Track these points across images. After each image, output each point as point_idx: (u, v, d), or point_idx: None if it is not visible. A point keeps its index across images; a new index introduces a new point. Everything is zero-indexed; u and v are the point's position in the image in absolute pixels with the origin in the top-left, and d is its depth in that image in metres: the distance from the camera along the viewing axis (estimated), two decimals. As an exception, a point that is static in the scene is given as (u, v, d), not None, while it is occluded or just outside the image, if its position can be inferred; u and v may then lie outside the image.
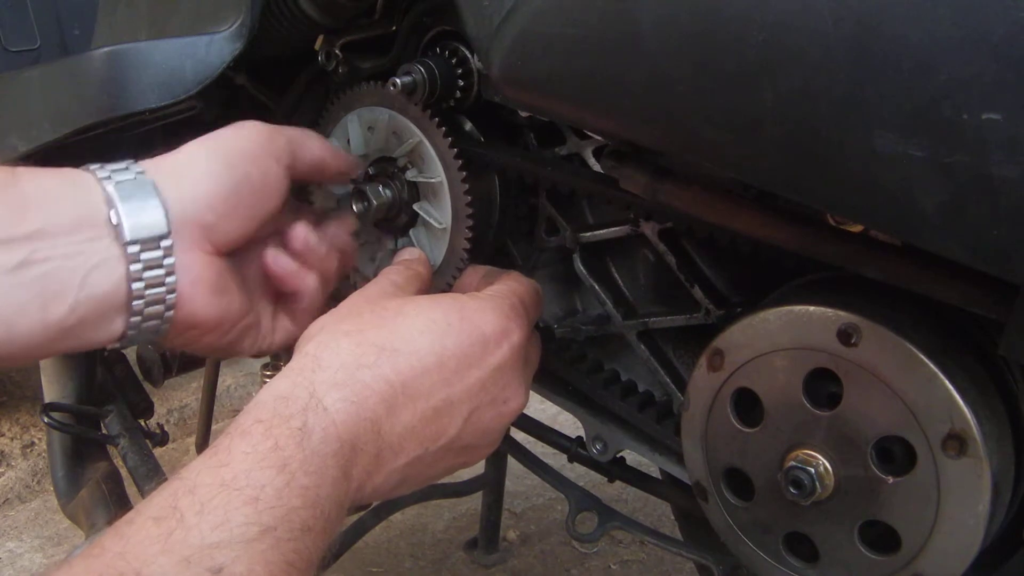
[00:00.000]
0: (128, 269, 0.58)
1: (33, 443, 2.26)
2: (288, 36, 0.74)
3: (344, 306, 0.64)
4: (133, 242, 0.58)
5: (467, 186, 0.72)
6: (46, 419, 1.09)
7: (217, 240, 0.63)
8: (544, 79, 0.57)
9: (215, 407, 1.44)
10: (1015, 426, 0.56)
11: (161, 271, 0.60)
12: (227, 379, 2.41)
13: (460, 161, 0.72)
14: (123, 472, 1.14)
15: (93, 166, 0.60)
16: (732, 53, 0.47)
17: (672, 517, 1.45)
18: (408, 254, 0.74)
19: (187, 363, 1.22)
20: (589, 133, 0.73)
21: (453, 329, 0.61)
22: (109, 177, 0.59)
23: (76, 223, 0.57)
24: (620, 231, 0.73)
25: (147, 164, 0.62)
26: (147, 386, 1.23)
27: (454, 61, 0.73)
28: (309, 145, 0.70)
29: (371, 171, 0.78)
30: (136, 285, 0.59)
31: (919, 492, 0.54)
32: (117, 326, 0.60)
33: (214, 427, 1.50)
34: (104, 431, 1.16)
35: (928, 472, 0.53)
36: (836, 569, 0.59)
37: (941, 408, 0.52)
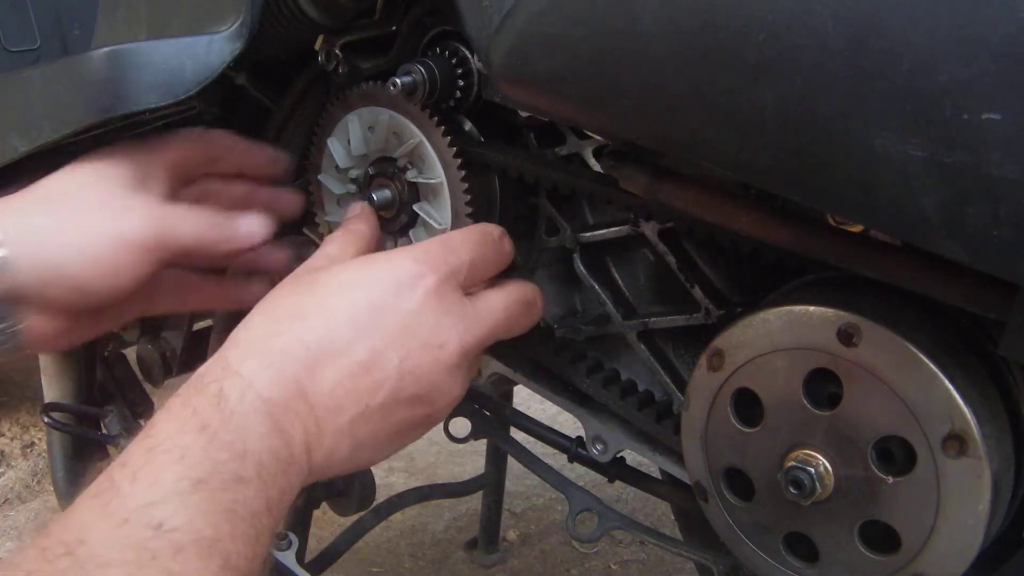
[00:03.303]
0: None
1: (33, 443, 2.26)
2: (288, 36, 0.74)
3: (270, 292, 0.65)
4: None
5: (467, 186, 0.72)
6: (46, 419, 1.09)
7: (65, 309, 0.67)
8: (544, 79, 0.57)
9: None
10: (1015, 426, 0.56)
11: (4, 331, 0.66)
12: (227, 379, 2.40)
13: (460, 161, 0.72)
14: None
15: None
16: (732, 53, 0.47)
17: (672, 517, 1.44)
18: (351, 211, 0.74)
19: (187, 363, 1.22)
20: (589, 133, 0.73)
21: (360, 284, 0.62)
22: None
23: None
24: (620, 231, 0.73)
25: (8, 232, 0.64)
26: (147, 386, 1.23)
27: (454, 61, 0.72)
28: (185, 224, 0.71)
29: (371, 171, 0.78)
30: None
31: (919, 492, 0.54)
32: None
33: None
34: (104, 431, 1.16)
35: (928, 472, 0.53)
36: (836, 569, 0.59)
37: (941, 408, 0.52)
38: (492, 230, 0.70)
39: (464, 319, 0.65)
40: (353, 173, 0.79)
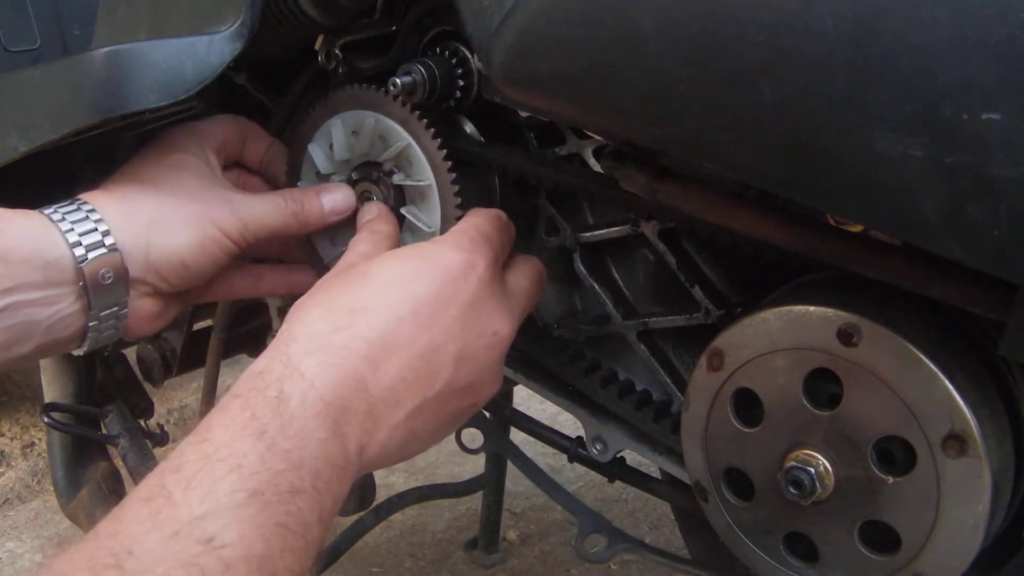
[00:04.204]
0: (86, 325, 0.67)
1: (33, 443, 2.26)
2: (288, 36, 0.74)
3: (316, 285, 0.65)
4: (96, 306, 0.67)
5: (457, 188, 0.71)
6: (46, 419, 1.09)
7: (163, 292, 0.71)
8: (544, 79, 0.57)
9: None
10: (1015, 426, 0.56)
11: (114, 315, 0.69)
12: (227, 379, 2.40)
13: (449, 163, 0.71)
14: (123, 472, 1.14)
15: (55, 216, 0.66)
16: (732, 53, 0.47)
17: (672, 517, 1.44)
18: (368, 214, 0.73)
19: (187, 363, 1.22)
20: (589, 133, 0.73)
21: (419, 276, 0.62)
22: (79, 243, 0.65)
23: (45, 281, 0.64)
24: (620, 231, 0.73)
25: (115, 220, 0.67)
26: (147, 386, 1.23)
27: (454, 61, 0.72)
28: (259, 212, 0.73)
29: (354, 176, 0.76)
30: (92, 326, 0.68)
31: (919, 492, 0.54)
32: (72, 347, 0.70)
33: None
34: (104, 431, 1.16)
35: (928, 472, 0.53)
36: (836, 569, 0.59)
37: (941, 408, 0.52)
38: (502, 214, 0.70)
39: (509, 304, 0.66)
40: (335, 179, 0.77)
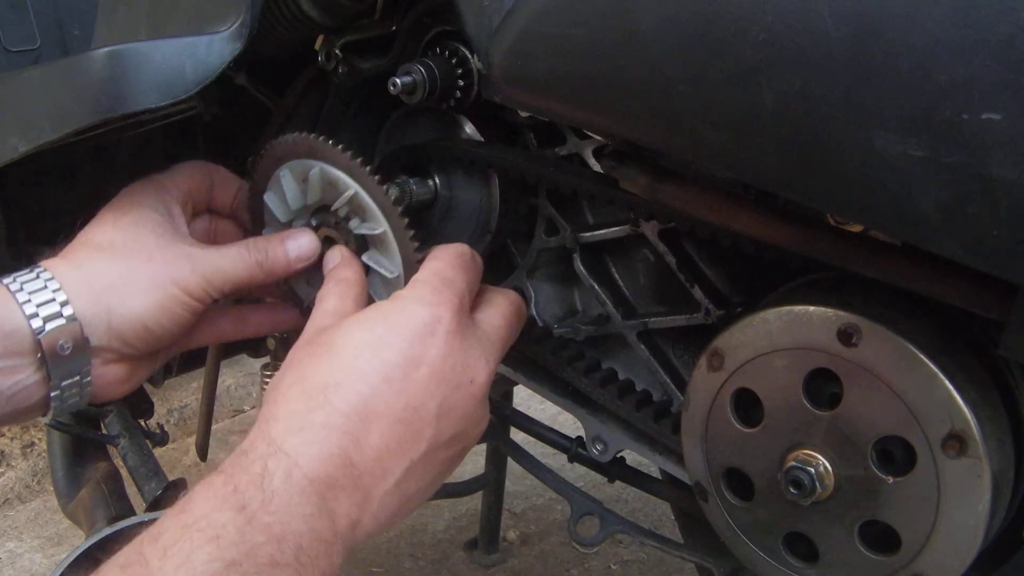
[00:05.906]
0: (49, 395, 0.67)
1: (33, 443, 2.26)
2: (288, 36, 0.74)
3: (287, 359, 0.64)
4: (56, 376, 0.66)
5: (412, 232, 0.69)
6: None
7: (130, 356, 0.70)
8: (544, 79, 0.57)
9: (215, 407, 1.44)
10: (1015, 426, 0.56)
11: (77, 384, 0.68)
12: (227, 379, 2.41)
13: (400, 208, 0.69)
14: (123, 472, 1.14)
15: (13, 286, 0.65)
16: (732, 53, 0.47)
17: (672, 517, 1.44)
18: (332, 261, 0.72)
19: (187, 363, 1.22)
20: (589, 133, 0.73)
21: (384, 341, 0.61)
22: (36, 314, 0.65)
23: (4, 351, 0.64)
24: (620, 231, 0.73)
25: (73, 288, 0.66)
26: (147, 386, 1.23)
27: (454, 61, 0.72)
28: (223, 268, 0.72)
29: (313, 222, 0.74)
30: (54, 396, 0.67)
31: (919, 492, 0.54)
32: (36, 415, 0.70)
33: (214, 427, 1.50)
34: (104, 431, 1.16)
35: (928, 472, 0.53)
36: (836, 569, 0.59)
37: (941, 408, 0.52)
38: (465, 250, 0.69)
39: (483, 348, 0.65)
40: (297, 224, 0.75)
